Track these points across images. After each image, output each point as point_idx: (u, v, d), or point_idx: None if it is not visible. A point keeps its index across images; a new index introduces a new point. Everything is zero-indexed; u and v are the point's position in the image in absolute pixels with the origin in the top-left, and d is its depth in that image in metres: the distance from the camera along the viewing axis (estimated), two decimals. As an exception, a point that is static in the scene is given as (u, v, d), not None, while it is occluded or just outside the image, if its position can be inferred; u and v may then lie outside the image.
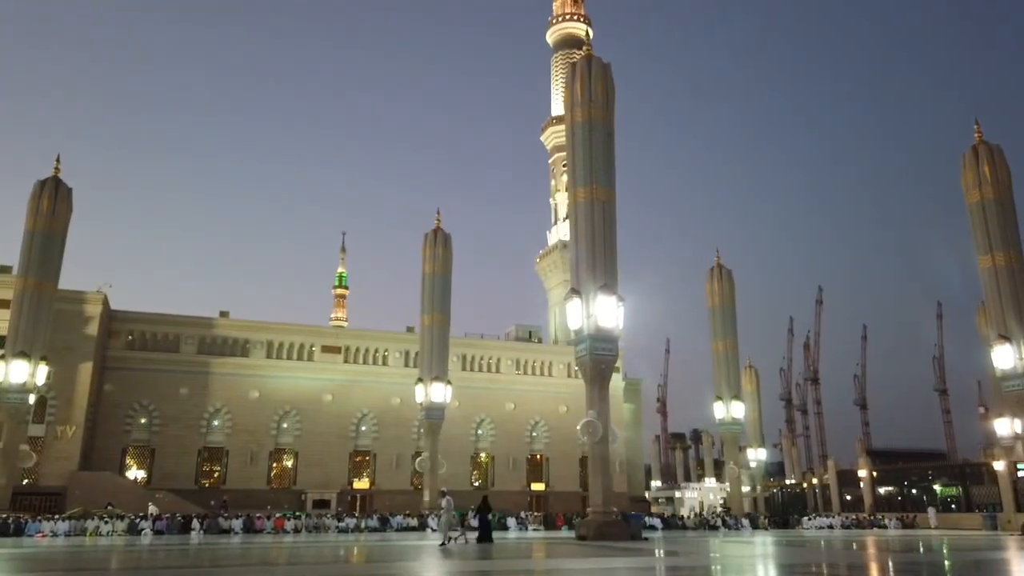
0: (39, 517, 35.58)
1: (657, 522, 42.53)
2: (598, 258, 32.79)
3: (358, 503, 58.86)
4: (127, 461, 55.03)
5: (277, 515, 39.44)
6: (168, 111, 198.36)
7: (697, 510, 70.34)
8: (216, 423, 57.72)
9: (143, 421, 55.67)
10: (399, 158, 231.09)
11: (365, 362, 63.76)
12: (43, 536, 32.46)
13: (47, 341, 42.69)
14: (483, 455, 65.56)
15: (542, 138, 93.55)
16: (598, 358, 31.39)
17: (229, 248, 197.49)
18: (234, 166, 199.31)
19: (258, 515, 37.96)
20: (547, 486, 66.17)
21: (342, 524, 38.29)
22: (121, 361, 56.06)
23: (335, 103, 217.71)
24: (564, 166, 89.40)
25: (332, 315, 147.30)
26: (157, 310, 59.72)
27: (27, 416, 41.75)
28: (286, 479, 58.97)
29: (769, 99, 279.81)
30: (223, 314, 61.58)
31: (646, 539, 29.61)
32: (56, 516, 35.79)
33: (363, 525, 38.42)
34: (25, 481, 45.60)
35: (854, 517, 53.03)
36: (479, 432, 65.44)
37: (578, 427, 30.66)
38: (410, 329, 66.01)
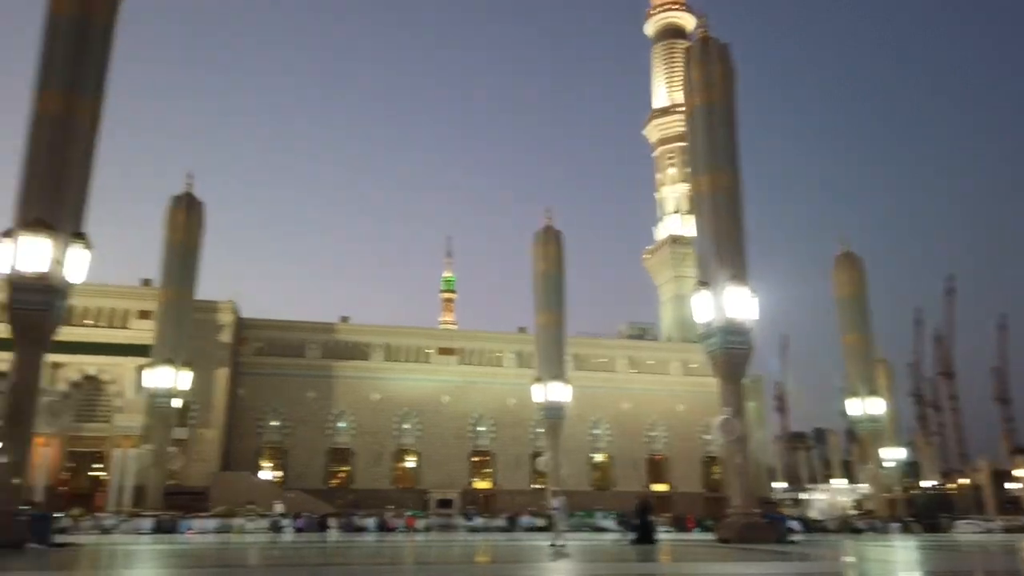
0: (189, 515, 37.48)
1: (795, 524, 40.43)
2: (725, 248, 31.47)
3: (481, 503, 59.24)
4: (262, 462, 57.59)
5: (408, 514, 40.09)
6: (286, 121, 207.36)
7: (829, 513, 66.76)
8: (341, 425, 59.57)
9: (275, 424, 58.14)
10: (500, 159, 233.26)
11: (479, 363, 64.27)
12: (194, 533, 34.17)
13: (188, 349, 45.21)
14: (601, 455, 64.73)
15: (644, 132, 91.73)
16: (731, 352, 30.02)
17: (347, 254, 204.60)
18: (345, 173, 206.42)
19: (391, 514, 38.67)
20: (671, 487, 64.52)
21: (470, 523, 38.43)
22: (252, 367, 58.72)
23: (436, 105, 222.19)
24: (670, 159, 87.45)
25: (441, 319, 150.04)
26: (282, 317, 62.35)
27: (173, 420, 44.27)
28: (410, 479, 60.16)
29: (897, 82, 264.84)
30: (343, 319, 63.53)
31: (792, 542, 28.03)
32: (204, 514, 37.60)
33: (491, 524, 38.43)
34: (172, 481, 48.28)
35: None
36: (596, 432, 64.65)
37: (713, 425, 29.42)
38: (522, 329, 66.07)
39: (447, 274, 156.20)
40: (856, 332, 52.05)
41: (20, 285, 22.45)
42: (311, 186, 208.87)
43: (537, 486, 58.71)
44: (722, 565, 18.59)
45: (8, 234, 22.62)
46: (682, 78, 71.79)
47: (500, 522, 38.39)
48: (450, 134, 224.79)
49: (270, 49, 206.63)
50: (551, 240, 51.34)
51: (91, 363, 48.52)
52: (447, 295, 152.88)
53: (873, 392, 51.40)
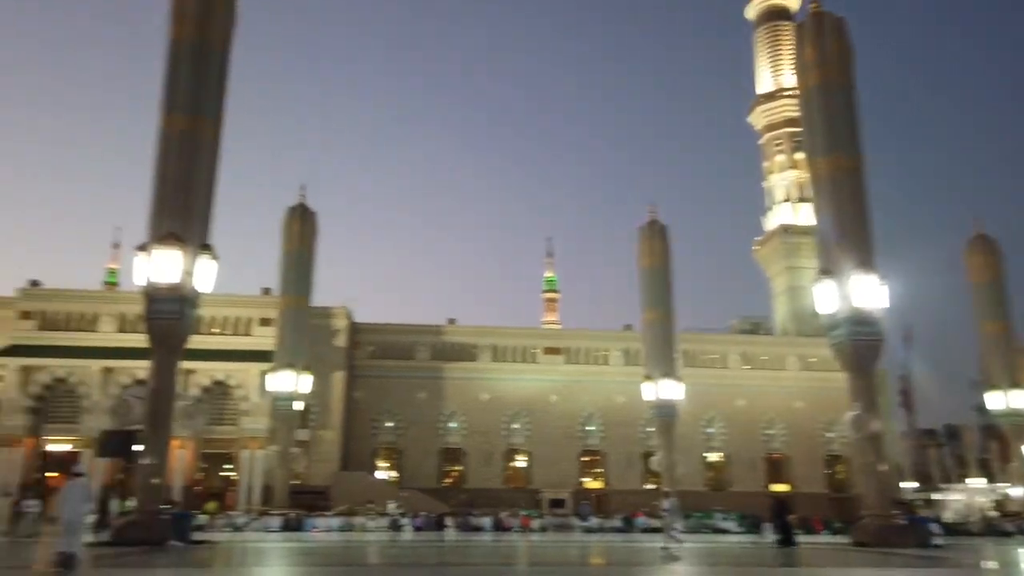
0: (314, 513, 38.86)
1: (935, 527, 37.66)
2: (849, 233, 29.66)
3: (594, 503, 58.65)
4: (378, 462, 59.16)
5: (522, 513, 40.11)
6: (391, 128, 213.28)
7: (966, 514, 62.07)
8: (452, 425, 60.41)
9: (389, 424, 59.62)
10: (600, 156, 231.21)
11: (586, 362, 63.70)
12: (319, 531, 35.36)
13: (307, 353, 47.02)
14: (716, 455, 62.80)
15: (749, 119, 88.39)
16: (859, 343, 28.23)
17: (452, 257, 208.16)
18: (449, 176, 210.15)
19: (506, 513, 38.79)
20: (792, 487, 61.78)
21: (586, 524, 38.00)
22: (366, 369, 60.43)
23: (533, 104, 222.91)
24: (777, 145, 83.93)
25: (544, 319, 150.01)
26: (392, 321, 63.90)
27: (295, 422, 46.11)
28: (521, 479, 60.32)
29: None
30: (450, 321, 64.41)
31: (936, 546, 26.05)
32: (328, 513, 38.88)
33: (607, 525, 37.87)
34: (296, 481, 50.24)
35: None
36: (709, 431, 62.77)
37: (844, 421, 27.75)
38: (627, 327, 65.00)
39: (548, 274, 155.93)
40: (995, 320, 48.20)
41: (155, 296, 23.85)
42: (416, 191, 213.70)
43: (650, 486, 57.57)
44: (877, 572, 17.32)
45: (143, 248, 24.12)
46: (791, 59, 68.75)
47: (616, 522, 37.75)
48: (547, 133, 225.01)
49: (373, 59, 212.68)
50: (656, 235, 50.15)
51: (219, 369, 51.15)
52: (549, 295, 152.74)
53: (1016, 384, 47.45)
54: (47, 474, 50.44)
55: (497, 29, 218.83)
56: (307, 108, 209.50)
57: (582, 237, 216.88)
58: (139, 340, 50.05)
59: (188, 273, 23.95)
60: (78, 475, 17.28)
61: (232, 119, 27.26)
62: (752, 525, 41.10)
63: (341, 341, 57.18)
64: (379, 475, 58.15)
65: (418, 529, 36.47)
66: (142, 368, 46.69)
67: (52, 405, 50.70)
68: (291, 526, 35.77)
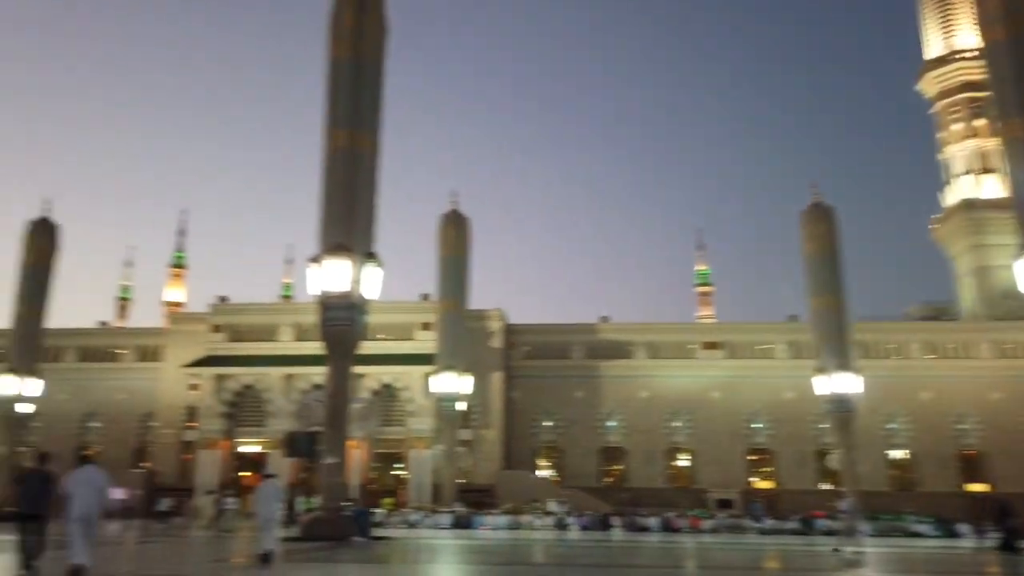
0: (482, 511, 39.74)
1: None
2: (1055, 202, 26.28)
3: (764, 504, 55.95)
4: (539, 461, 59.69)
5: (690, 514, 38.91)
6: (536, 126, 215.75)
7: None
8: (611, 424, 59.82)
9: (548, 424, 59.99)
10: (752, 141, 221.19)
11: (749, 356, 60.92)
12: (487, 529, 36.05)
13: (466, 355, 48.30)
14: (900, 452, 57.97)
15: (919, 87, 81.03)
16: (1075, 325, 24.86)
17: (602, 255, 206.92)
18: (596, 171, 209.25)
19: (674, 514, 37.78)
20: (992, 487, 55.84)
21: (759, 525, 36.21)
22: (522, 370, 61.15)
23: (682, 89, 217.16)
24: (954, 113, 76.41)
25: (698, 314, 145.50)
26: (546, 321, 64.27)
27: (458, 422, 47.45)
28: (685, 478, 58.70)
29: None
30: (603, 319, 63.84)
31: None
32: (495, 511, 39.62)
33: (783, 527, 35.86)
34: (462, 480, 51.64)
35: None
36: (891, 427, 58.04)
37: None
38: (792, 317, 61.61)
39: (700, 267, 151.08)
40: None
41: (328, 304, 25.30)
42: (563, 190, 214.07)
43: (826, 486, 54.15)
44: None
45: (315, 260, 25.68)
46: (967, 17, 62.55)
47: (793, 524, 35.66)
48: (695, 119, 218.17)
49: (517, 63, 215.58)
50: (821, 217, 47.07)
51: (386, 373, 53.66)
52: (702, 288, 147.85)
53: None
54: (241, 474, 55.19)
55: (635, 16, 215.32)
56: (455, 114, 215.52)
57: (734, 227, 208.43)
58: (314, 348, 53.44)
59: (356, 281, 25.22)
60: (270, 476, 18.62)
61: (385, 128, 28.43)
62: (947, 529, 37.49)
63: (497, 343, 58.25)
64: (543, 474, 58.69)
65: (584, 528, 36.28)
66: (318, 373, 49.93)
67: (242, 410, 55.32)
68: (460, 523, 36.72)
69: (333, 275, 25.07)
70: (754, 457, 58.85)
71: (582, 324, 62.95)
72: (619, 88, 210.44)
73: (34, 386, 48.10)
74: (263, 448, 54.34)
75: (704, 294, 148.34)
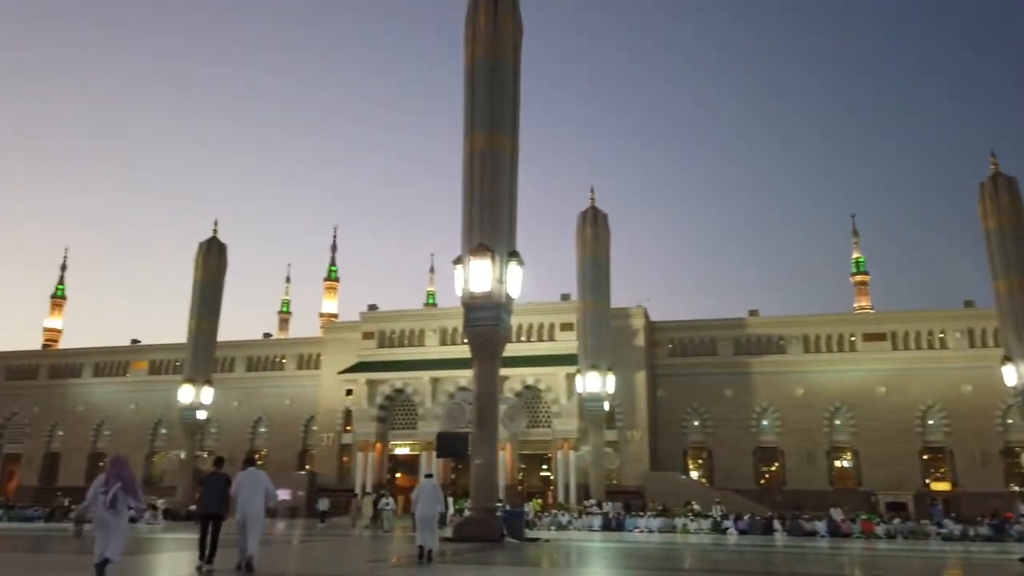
0: (634, 513, 38.75)
1: None
2: None
3: (943, 507, 51.14)
4: (688, 461, 57.79)
5: (863, 517, 36.11)
6: (677, 123, 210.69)
7: None
8: (765, 422, 56.93)
9: (696, 424, 57.97)
10: (908, 120, 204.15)
11: (917, 347, 56.02)
12: (640, 531, 35.05)
13: (609, 355, 47.46)
14: (1108, 450, 51.30)
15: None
16: None
17: (747, 247, 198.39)
18: (740, 161, 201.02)
19: (842, 518, 35.16)
20: None
21: (943, 530, 32.95)
22: (667, 368, 59.46)
23: (834, 77, 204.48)
24: None
25: (855, 304, 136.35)
26: (689, 317, 62.24)
27: (603, 423, 46.68)
28: (849, 479, 54.81)
29: None
30: (752, 313, 60.94)
31: None
32: (648, 513, 38.52)
33: (971, 532, 32.40)
34: (611, 481, 50.83)
35: None
36: (1094, 421, 51.39)
37: None
38: (968, 303, 56.17)
39: (856, 255, 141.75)
40: None
41: (472, 305, 25.44)
42: (705, 184, 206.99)
43: (1019, 488, 48.78)
44: None
45: (458, 261, 25.93)
46: None
47: (983, 529, 32.10)
48: (846, 98, 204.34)
49: (655, 54, 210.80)
50: (1003, 189, 42.19)
51: (529, 374, 53.81)
52: (859, 278, 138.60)
53: None
54: (395, 475, 57.23)
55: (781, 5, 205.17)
56: (591, 109, 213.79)
57: (890, 212, 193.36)
58: (458, 351, 55.14)
59: (499, 281, 25.19)
60: (428, 476, 19.17)
61: (523, 127, 28.32)
62: None
63: (640, 341, 56.94)
64: (693, 475, 56.77)
65: (742, 532, 34.45)
66: (463, 376, 50.98)
67: (393, 413, 57.34)
68: (611, 525, 35.94)
69: (476, 275, 25.18)
70: (928, 456, 54.01)
71: (729, 319, 60.39)
72: (765, 71, 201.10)
73: (208, 394, 52.06)
74: (412, 450, 56.11)
75: (860, 283, 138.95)
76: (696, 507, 41.33)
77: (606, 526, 35.90)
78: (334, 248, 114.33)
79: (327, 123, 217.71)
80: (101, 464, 64.93)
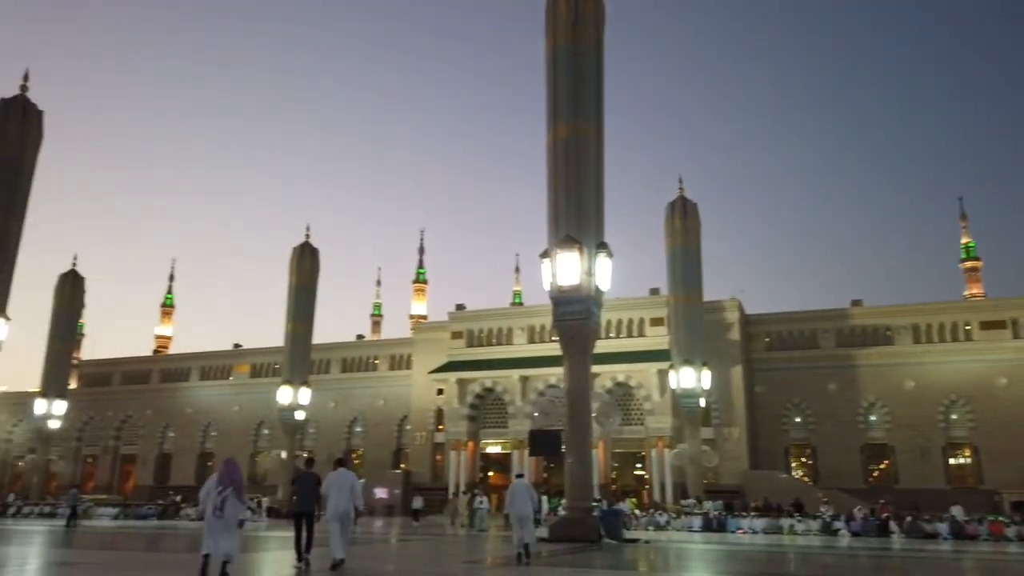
0: (736, 514, 37.22)
1: None
2: None
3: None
4: (790, 460, 55.35)
5: (990, 518, 33.46)
6: (772, 109, 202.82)
7: None
8: (873, 418, 53.86)
9: (798, 420, 55.46)
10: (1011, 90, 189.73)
11: (1042, 334, 51.74)
12: (743, 533, 33.57)
13: (703, 350, 45.89)
14: None
15: None
16: None
17: (844, 234, 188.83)
18: (839, 146, 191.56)
19: (965, 519, 32.68)
20: None
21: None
22: (764, 362, 57.15)
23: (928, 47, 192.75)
24: None
25: (966, 292, 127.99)
26: (786, 309, 59.57)
27: (700, 419, 45.14)
28: (968, 477, 51.15)
29: None
30: (855, 303, 57.83)
31: None
32: (751, 513, 36.94)
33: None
34: (709, 480, 49.17)
35: None
36: None
37: None
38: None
39: (965, 240, 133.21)
40: None
41: (561, 299, 24.77)
42: (798, 170, 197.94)
43: None
44: None
45: (545, 255, 25.29)
46: None
47: None
48: (957, 83, 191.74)
49: (745, 28, 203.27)
50: None
51: (620, 371, 52.69)
52: (969, 264, 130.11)
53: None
54: (487, 473, 57.25)
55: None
56: (676, 93, 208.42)
57: (999, 193, 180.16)
58: (547, 349, 54.63)
59: (588, 273, 24.45)
60: (519, 476, 18.90)
61: (607, 115, 27.44)
62: None
63: (735, 335, 54.91)
64: (796, 474, 54.32)
65: (855, 534, 32.45)
66: (553, 374, 50.48)
67: (484, 412, 57.38)
68: (712, 526, 34.59)
69: (564, 269, 24.50)
70: (1061, 453, 49.73)
71: (831, 310, 57.49)
72: (868, 51, 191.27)
73: (306, 395, 53.45)
74: (503, 449, 55.95)
75: (971, 270, 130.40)
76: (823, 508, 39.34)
77: (707, 527, 34.57)
78: (421, 251, 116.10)
79: (412, 126, 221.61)
80: (210, 464, 68.05)
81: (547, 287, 25.23)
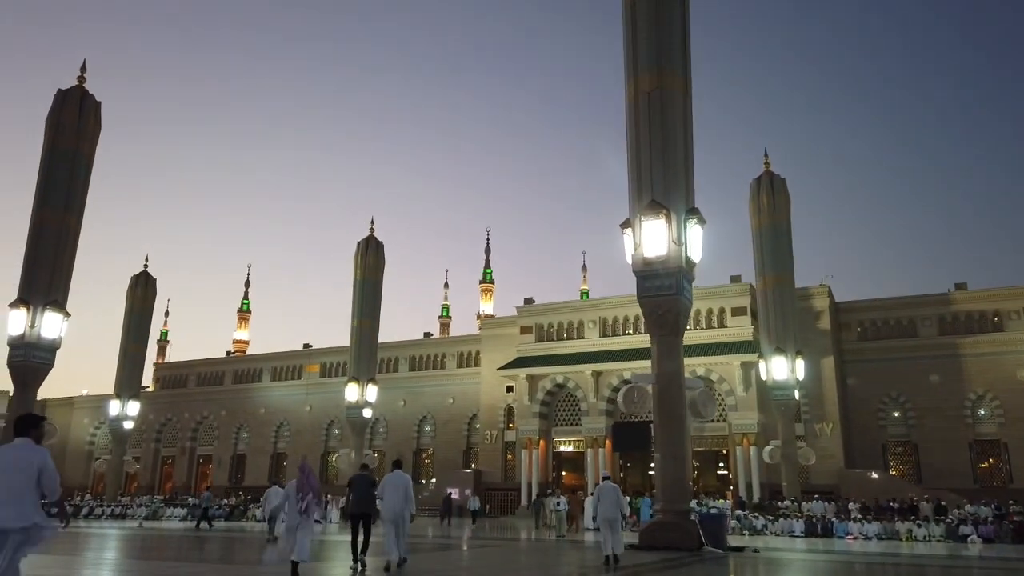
0: (843, 518, 33.75)
1: None
2: None
3: None
4: (888, 458, 51.05)
5: None
6: (860, 99, 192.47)
7: None
8: (982, 412, 49.11)
9: (896, 414, 51.10)
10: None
11: None
12: (853, 538, 30.13)
13: (794, 339, 42.39)
14: None
15: None
16: None
17: (945, 216, 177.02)
18: (927, 120, 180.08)
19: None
20: None
21: None
22: (857, 353, 52.98)
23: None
24: None
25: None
26: (880, 295, 55.10)
27: (794, 414, 41.61)
28: (1100, 478, 45.94)
29: None
30: (958, 287, 53.03)
31: None
32: (862, 517, 33.39)
33: None
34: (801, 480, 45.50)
35: None
36: None
37: None
38: None
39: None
40: None
41: (646, 272, 22.00)
42: (892, 149, 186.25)
43: None
44: None
45: (627, 224, 22.55)
46: None
47: None
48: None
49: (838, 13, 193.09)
50: None
51: (699, 363, 49.24)
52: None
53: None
54: (559, 473, 54.63)
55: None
56: (762, 67, 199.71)
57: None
58: (620, 343, 51.75)
59: (677, 243, 21.64)
60: (607, 478, 18.18)
61: (696, 84, 24.55)
62: None
63: (824, 323, 50.94)
64: (895, 472, 49.99)
65: (987, 541, 28.65)
66: (628, 369, 47.58)
67: (555, 409, 54.82)
68: (816, 530, 31.22)
69: (650, 238, 21.68)
70: None
71: (930, 295, 52.87)
72: (964, 30, 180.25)
73: (373, 392, 52.00)
74: (577, 447, 53.25)
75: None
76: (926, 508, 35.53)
77: (810, 531, 31.21)
78: (488, 251, 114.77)
79: (478, 122, 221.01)
80: (284, 464, 67.72)
81: (629, 261, 22.45)
